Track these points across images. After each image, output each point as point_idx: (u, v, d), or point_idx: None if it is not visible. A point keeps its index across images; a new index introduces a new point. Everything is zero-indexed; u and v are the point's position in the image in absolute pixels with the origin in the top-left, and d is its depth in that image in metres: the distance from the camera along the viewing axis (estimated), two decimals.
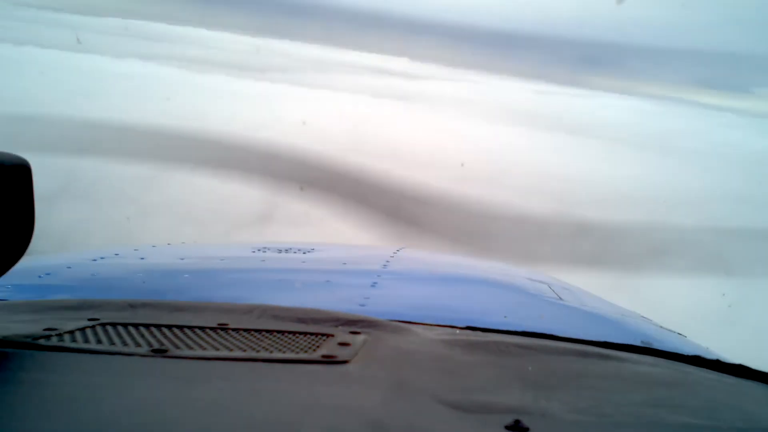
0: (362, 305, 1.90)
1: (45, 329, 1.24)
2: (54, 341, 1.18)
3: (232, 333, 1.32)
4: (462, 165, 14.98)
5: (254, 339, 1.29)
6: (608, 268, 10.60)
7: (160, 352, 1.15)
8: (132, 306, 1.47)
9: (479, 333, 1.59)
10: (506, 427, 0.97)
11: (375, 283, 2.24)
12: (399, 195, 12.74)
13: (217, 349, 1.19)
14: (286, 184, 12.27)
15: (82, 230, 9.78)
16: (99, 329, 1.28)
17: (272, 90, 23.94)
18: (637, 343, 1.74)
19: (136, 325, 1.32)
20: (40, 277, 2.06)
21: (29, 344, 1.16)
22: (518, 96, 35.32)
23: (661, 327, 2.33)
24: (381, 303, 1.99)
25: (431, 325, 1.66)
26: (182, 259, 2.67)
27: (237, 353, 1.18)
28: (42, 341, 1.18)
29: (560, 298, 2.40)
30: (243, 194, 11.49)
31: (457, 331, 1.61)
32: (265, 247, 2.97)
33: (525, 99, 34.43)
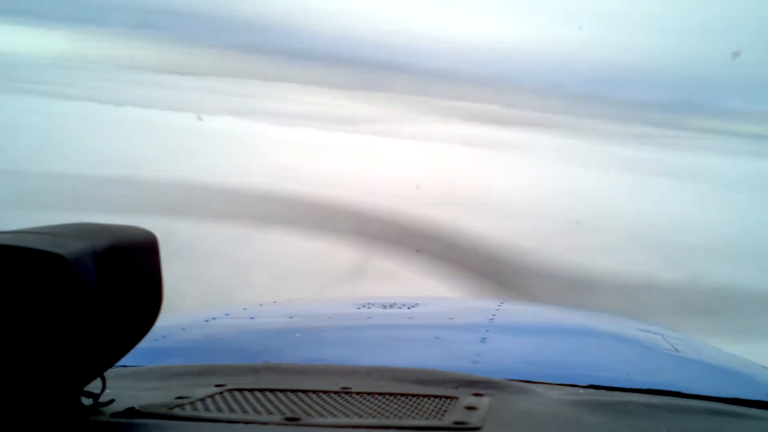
0: (475, 362, 1.90)
1: (177, 397, 1.27)
2: (188, 410, 1.20)
3: (356, 397, 1.32)
4: (557, 216, 14.46)
5: (378, 403, 1.28)
6: (721, 318, 9.98)
7: (293, 420, 1.16)
8: (254, 370, 1.50)
9: (603, 392, 1.55)
10: None
11: (484, 338, 2.21)
12: (493, 250, 12.36)
13: (347, 415, 1.19)
14: (377, 240, 12.11)
15: (179, 289, 9.82)
16: (227, 396, 1.30)
17: (363, 142, 23.97)
18: (765, 397, 1.62)
19: (261, 390, 1.33)
20: (156, 340, 2.09)
21: (166, 414, 1.17)
22: (615, 140, 34.46)
23: None
24: (494, 360, 2.00)
25: (552, 384, 1.61)
26: (291, 317, 2.72)
27: (368, 420, 1.17)
28: (177, 411, 1.19)
29: (677, 350, 2.31)
30: (335, 251, 11.37)
31: (581, 390, 1.56)
32: (369, 303, 2.96)
33: (622, 143, 33.58)
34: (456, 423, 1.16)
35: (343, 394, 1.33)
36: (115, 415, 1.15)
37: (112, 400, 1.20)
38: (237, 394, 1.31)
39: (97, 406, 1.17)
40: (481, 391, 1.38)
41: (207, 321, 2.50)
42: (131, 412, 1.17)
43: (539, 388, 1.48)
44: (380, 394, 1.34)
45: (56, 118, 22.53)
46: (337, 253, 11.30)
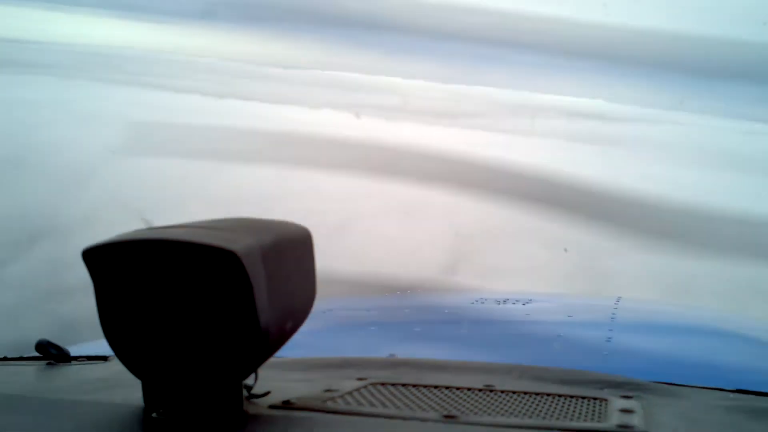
0: (605, 362, 1.87)
1: (325, 390, 1.30)
2: (341, 404, 1.23)
3: (501, 395, 1.30)
4: (661, 216, 13.96)
5: (526, 403, 1.26)
6: None
7: (451, 417, 1.15)
8: (392, 364, 1.54)
9: (754, 397, 1.45)
10: None
11: (609, 338, 2.17)
12: (595, 245, 12.05)
13: (497, 414, 1.18)
14: (475, 234, 11.96)
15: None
16: (372, 390, 1.31)
17: (463, 136, 23.73)
18: None
19: (404, 385, 1.34)
20: None
21: (321, 408, 1.20)
22: (724, 137, 33.17)
23: None
24: (625, 360, 1.94)
25: (698, 387, 1.56)
26: (406, 310, 2.75)
27: (525, 420, 1.15)
28: (330, 404, 1.23)
29: None
30: (431, 243, 11.27)
31: (730, 394, 1.49)
32: (482, 298, 2.97)
33: (732, 140, 32.30)
34: (620, 426, 1.14)
35: (487, 392, 1.33)
36: (272, 407, 1.20)
37: (268, 392, 1.25)
38: (381, 388, 1.34)
39: (252, 397, 1.21)
40: (629, 393, 1.36)
41: (324, 312, 2.50)
42: (287, 404, 1.22)
43: (687, 391, 1.46)
44: (525, 393, 1.33)
45: (160, 110, 23.13)
46: (433, 245, 11.22)
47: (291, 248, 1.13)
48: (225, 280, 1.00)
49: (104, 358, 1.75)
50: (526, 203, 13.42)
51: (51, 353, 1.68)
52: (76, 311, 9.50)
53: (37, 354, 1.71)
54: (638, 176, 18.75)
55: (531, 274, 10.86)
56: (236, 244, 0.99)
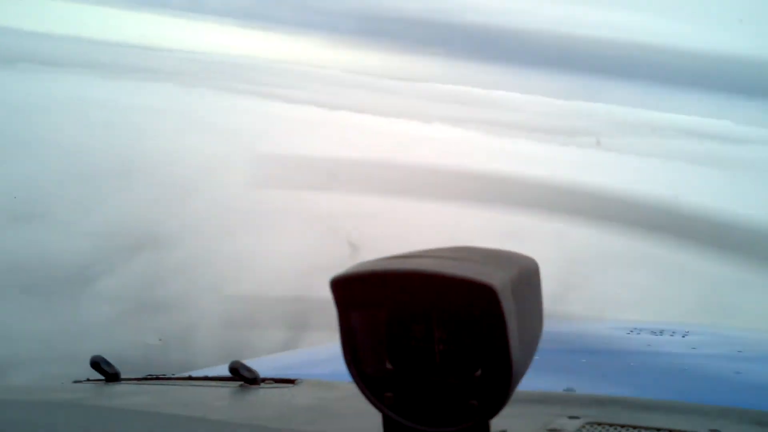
0: None
1: (548, 429, 1.27)
2: None
3: None
4: None
5: None
6: None
7: None
8: (601, 402, 1.48)
9: None
10: None
11: None
12: (717, 276, 11.35)
13: None
14: (586, 261, 11.52)
15: None
16: (591, 430, 1.28)
17: (578, 155, 22.98)
18: None
19: (624, 426, 1.30)
20: None
21: None
22: None
23: None
24: None
25: None
26: (564, 339, 2.62)
27: None
28: None
29: None
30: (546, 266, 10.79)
31: None
32: (636, 328, 2.84)
33: None
34: None
35: None
36: None
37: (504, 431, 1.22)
38: (600, 429, 1.30)
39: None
40: None
41: None
42: None
43: None
44: None
45: (271, 119, 23.40)
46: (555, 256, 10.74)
47: (530, 280, 1.07)
48: (478, 314, 0.96)
49: (291, 381, 1.75)
50: (642, 230, 12.75)
51: (242, 375, 1.70)
52: (166, 326, 9.48)
53: (228, 374, 1.73)
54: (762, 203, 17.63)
55: (648, 304, 10.42)
56: (491, 278, 0.94)
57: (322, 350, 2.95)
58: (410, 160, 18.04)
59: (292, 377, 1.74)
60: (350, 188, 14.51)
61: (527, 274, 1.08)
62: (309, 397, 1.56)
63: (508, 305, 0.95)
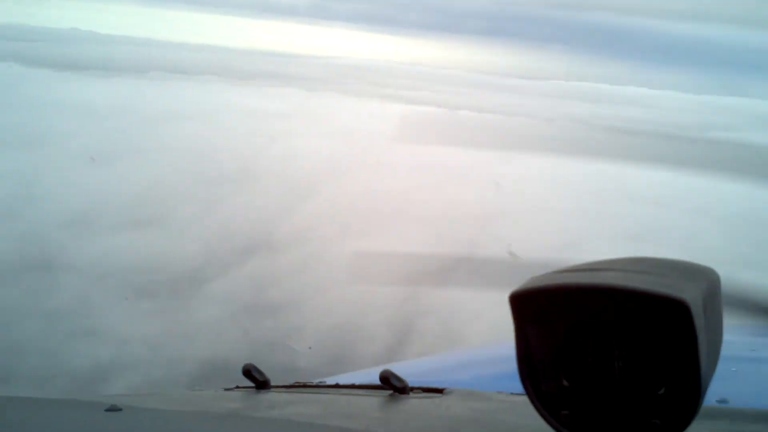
0: None
1: None
2: None
3: None
4: None
5: None
6: None
7: None
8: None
9: None
10: None
11: None
12: None
13: None
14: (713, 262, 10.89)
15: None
16: None
17: (708, 151, 21.94)
18: None
19: None
20: None
21: None
22: None
23: None
24: None
25: None
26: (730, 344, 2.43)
27: None
28: None
29: None
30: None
31: None
32: None
33: None
34: None
35: None
36: None
37: None
38: None
39: None
40: None
41: None
42: None
43: None
44: None
45: (393, 121, 23.43)
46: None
47: (716, 293, 1.02)
48: (666, 330, 0.93)
49: (440, 391, 1.68)
50: None
51: (393, 384, 1.64)
52: (273, 330, 9.55)
53: (378, 383, 1.70)
54: None
55: None
56: (683, 293, 0.91)
57: (470, 355, 2.91)
58: (535, 159, 17.69)
59: (438, 384, 1.70)
60: (467, 187, 14.36)
61: (713, 288, 1.04)
62: (460, 408, 1.51)
63: (699, 321, 0.93)
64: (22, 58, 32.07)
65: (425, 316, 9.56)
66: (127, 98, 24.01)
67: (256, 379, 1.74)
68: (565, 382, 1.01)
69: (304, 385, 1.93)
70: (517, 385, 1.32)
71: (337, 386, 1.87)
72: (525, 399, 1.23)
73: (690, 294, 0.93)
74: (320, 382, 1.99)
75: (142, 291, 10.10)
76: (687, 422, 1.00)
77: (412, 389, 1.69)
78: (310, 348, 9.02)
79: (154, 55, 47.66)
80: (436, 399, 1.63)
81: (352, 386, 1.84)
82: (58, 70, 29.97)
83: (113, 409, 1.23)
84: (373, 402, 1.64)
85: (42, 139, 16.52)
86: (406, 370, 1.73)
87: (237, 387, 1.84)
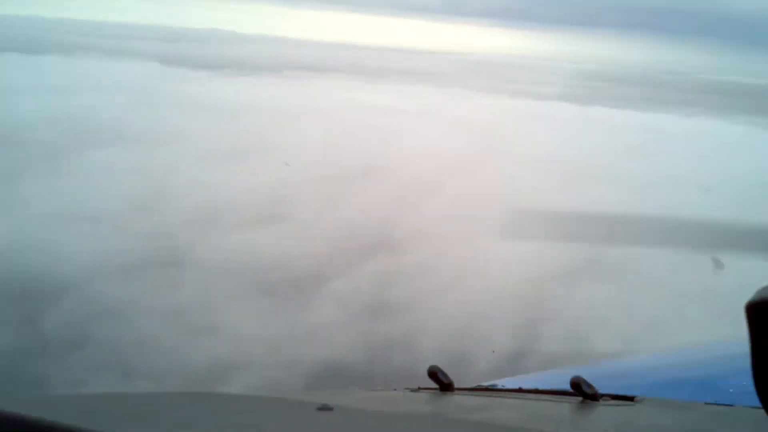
0: None
1: None
2: None
3: None
4: None
5: None
6: None
7: None
8: None
9: None
10: None
11: None
12: None
13: None
14: None
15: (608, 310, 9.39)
16: None
17: None
18: None
19: None
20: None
21: None
22: None
23: None
24: None
25: None
26: None
27: None
28: None
29: None
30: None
31: None
32: None
33: None
34: None
35: None
36: None
37: None
38: None
39: None
40: None
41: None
42: None
43: None
44: None
45: (521, 117, 23.02)
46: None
47: None
48: None
49: (630, 399, 1.69)
50: None
51: (583, 391, 1.64)
52: (391, 331, 9.41)
53: (568, 389, 1.69)
54: None
55: None
56: None
57: (659, 361, 2.86)
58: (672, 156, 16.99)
59: (629, 389, 1.71)
60: (601, 185, 13.83)
61: None
62: (652, 418, 1.52)
63: None
64: (163, 58, 33.27)
65: (543, 323, 9.30)
66: (258, 97, 24.53)
67: (441, 381, 1.80)
68: None
69: (487, 389, 1.98)
70: (714, 394, 1.43)
71: (519, 390, 1.89)
72: (731, 410, 1.29)
73: None
74: (502, 386, 2.02)
75: (263, 289, 10.19)
76: None
77: (602, 396, 1.68)
78: (493, 352, 8.92)
79: (288, 54, 48.68)
80: (628, 407, 1.63)
81: (537, 391, 1.86)
82: (194, 69, 30.98)
83: (325, 408, 1.27)
84: (563, 408, 1.66)
85: (175, 136, 17.03)
86: (587, 372, 1.70)
87: (419, 388, 1.89)
